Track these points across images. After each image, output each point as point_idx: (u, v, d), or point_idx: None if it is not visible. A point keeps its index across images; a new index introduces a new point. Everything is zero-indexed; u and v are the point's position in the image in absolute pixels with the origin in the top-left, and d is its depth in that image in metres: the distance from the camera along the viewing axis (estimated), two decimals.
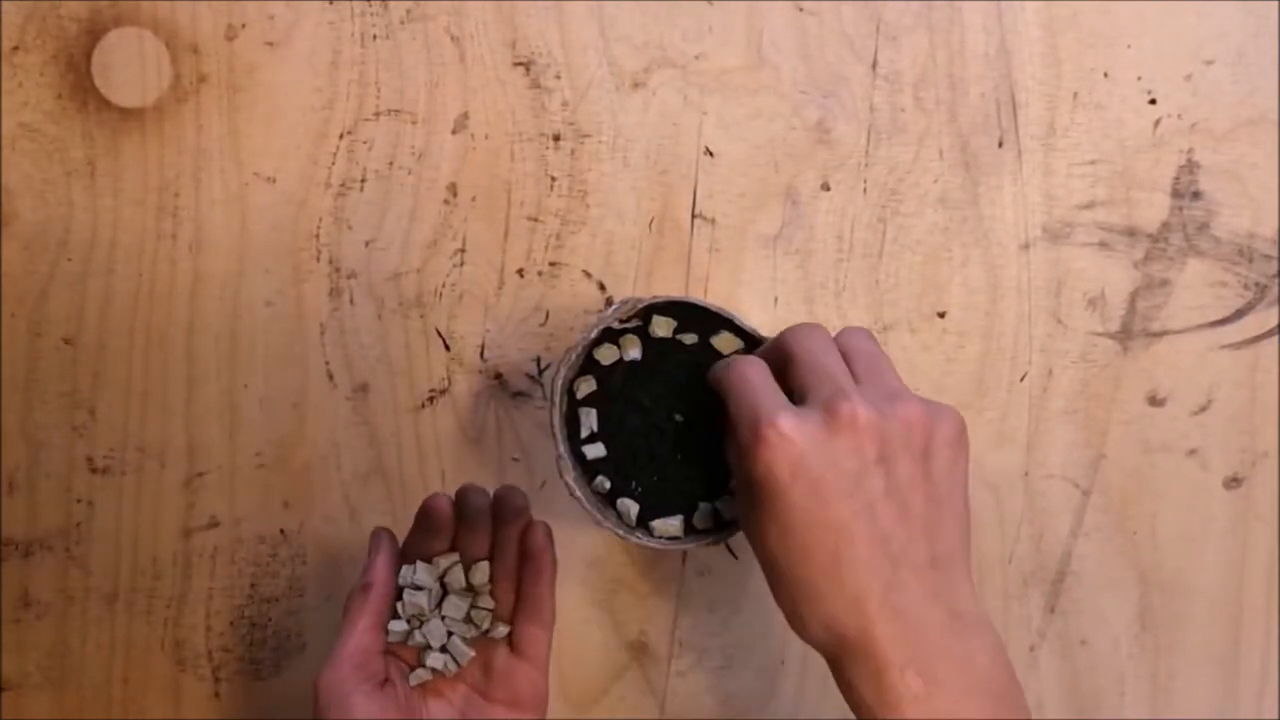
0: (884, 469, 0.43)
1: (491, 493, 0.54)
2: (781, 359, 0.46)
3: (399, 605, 0.52)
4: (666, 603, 0.60)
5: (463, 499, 0.53)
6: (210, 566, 0.59)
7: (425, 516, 0.52)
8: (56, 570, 0.59)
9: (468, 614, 0.53)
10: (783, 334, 0.47)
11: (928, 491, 0.43)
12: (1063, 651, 0.61)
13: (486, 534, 0.54)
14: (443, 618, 0.52)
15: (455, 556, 0.53)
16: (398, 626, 0.52)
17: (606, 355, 0.53)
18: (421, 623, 0.52)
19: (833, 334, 0.47)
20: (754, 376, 0.44)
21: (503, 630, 0.53)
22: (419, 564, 0.53)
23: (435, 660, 0.52)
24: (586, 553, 0.60)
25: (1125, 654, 0.61)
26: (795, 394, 0.45)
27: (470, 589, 0.53)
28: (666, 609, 0.60)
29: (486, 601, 0.53)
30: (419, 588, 0.52)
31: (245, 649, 0.60)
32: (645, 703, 0.61)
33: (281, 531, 0.59)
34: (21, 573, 0.59)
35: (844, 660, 0.43)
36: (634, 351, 0.52)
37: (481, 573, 0.53)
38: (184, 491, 0.59)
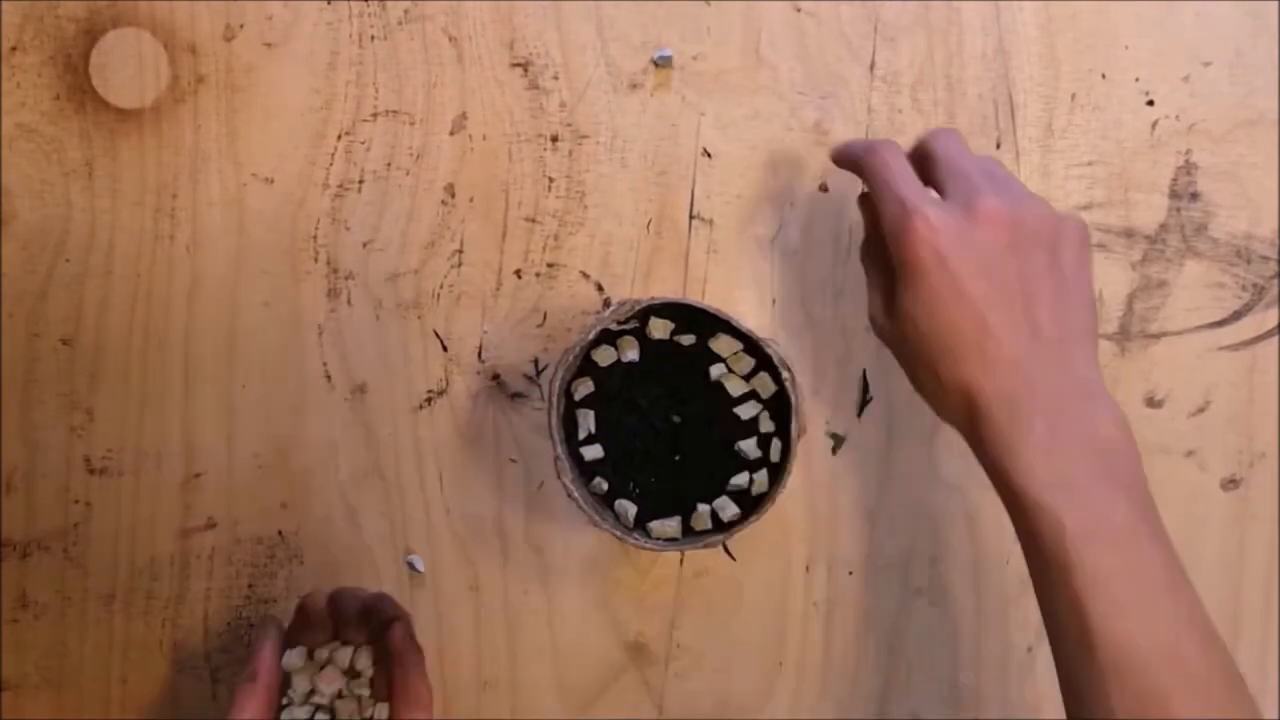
0: (1017, 256, 0.47)
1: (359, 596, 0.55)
2: (920, 155, 0.50)
3: (289, 691, 0.52)
4: (664, 604, 0.60)
5: (336, 602, 0.54)
6: (208, 567, 0.59)
7: (302, 613, 0.54)
8: (54, 571, 0.59)
9: (351, 694, 0.53)
10: (925, 138, 0.51)
11: (1055, 279, 0.47)
12: None
13: (363, 629, 0.54)
14: (325, 703, 0.53)
15: (336, 643, 0.53)
16: (292, 715, 0.52)
17: (604, 357, 0.53)
18: (315, 707, 0.52)
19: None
20: (895, 164, 0.49)
21: (384, 711, 0.53)
22: (301, 649, 0.53)
23: None
24: (584, 554, 0.60)
25: None
26: (935, 187, 0.49)
27: (353, 672, 0.53)
28: (664, 610, 0.60)
29: (364, 687, 0.53)
30: (302, 670, 0.52)
31: (243, 650, 0.60)
32: (643, 704, 0.61)
33: (279, 533, 0.59)
34: (19, 573, 0.59)
35: (977, 422, 0.46)
36: (631, 353, 0.53)
37: (365, 657, 0.53)
38: (182, 492, 0.59)
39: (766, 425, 0.53)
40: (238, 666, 0.60)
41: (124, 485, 0.59)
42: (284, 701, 0.52)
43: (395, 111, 0.58)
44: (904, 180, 0.48)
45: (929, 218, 0.46)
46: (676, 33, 0.58)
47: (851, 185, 0.59)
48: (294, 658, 0.52)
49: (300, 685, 0.52)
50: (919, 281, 0.47)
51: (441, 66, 0.58)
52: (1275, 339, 0.60)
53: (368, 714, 0.53)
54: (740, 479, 0.53)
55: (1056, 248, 0.48)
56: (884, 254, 0.50)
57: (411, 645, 0.53)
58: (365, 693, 0.53)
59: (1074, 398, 0.46)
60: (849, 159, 0.52)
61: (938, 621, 0.60)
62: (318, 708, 0.52)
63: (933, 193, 0.49)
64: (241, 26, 0.58)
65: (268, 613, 0.53)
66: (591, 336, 0.52)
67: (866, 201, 0.53)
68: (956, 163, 0.49)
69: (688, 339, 0.53)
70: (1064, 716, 0.61)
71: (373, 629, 0.54)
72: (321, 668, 0.53)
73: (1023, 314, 0.46)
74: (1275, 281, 0.60)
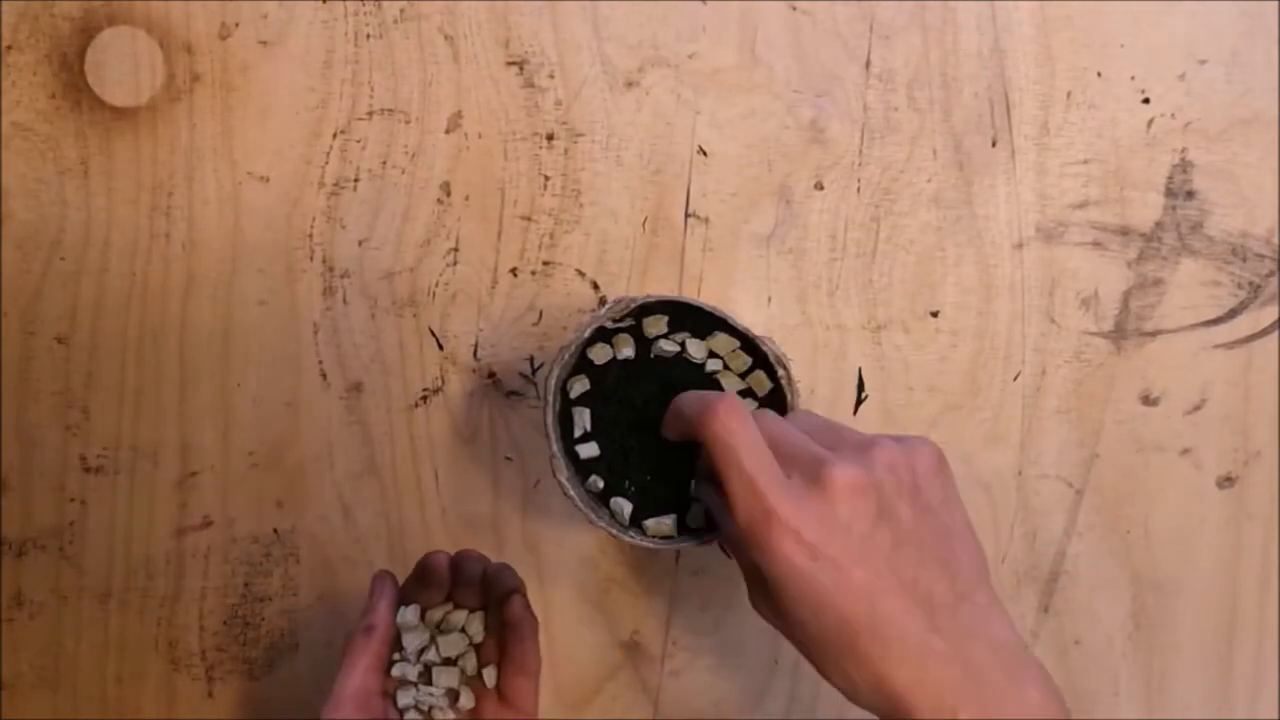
0: (887, 521, 0.43)
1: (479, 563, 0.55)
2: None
3: (400, 648, 0.53)
4: (660, 602, 0.60)
5: (459, 566, 0.54)
6: (203, 566, 0.59)
7: (424, 572, 0.53)
8: (50, 570, 0.59)
9: (459, 658, 0.54)
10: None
11: (932, 528, 0.44)
12: (1057, 651, 0.61)
13: (478, 594, 0.54)
14: (436, 662, 0.53)
15: (450, 605, 0.54)
16: (403, 671, 0.53)
17: (600, 355, 0.53)
18: (425, 666, 0.53)
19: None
20: (744, 434, 0.44)
21: (492, 675, 0.54)
22: (416, 608, 0.53)
23: (432, 699, 0.53)
24: (579, 552, 0.60)
25: (1119, 653, 0.61)
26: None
27: (465, 636, 0.54)
28: (660, 608, 0.60)
29: (473, 653, 0.54)
30: (416, 629, 0.53)
31: (238, 648, 0.60)
32: (639, 702, 0.61)
33: (275, 531, 0.59)
34: (15, 572, 0.59)
35: (900, 716, 0.43)
36: (627, 350, 0.52)
37: (477, 623, 0.54)
38: (177, 491, 0.59)
39: None
40: (233, 665, 0.60)
41: (119, 484, 0.59)
42: (394, 657, 0.52)
43: (391, 110, 0.58)
44: (757, 466, 0.43)
45: (787, 516, 0.42)
46: (672, 31, 0.58)
47: (846, 185, 0.59)
48: (409, 615, 0.53)
49: (411, 642, 0.52)
50: (798, 588, 0.43)
51: (437, 65, 0.58)
52: (1271, 337, 0.60)
53: (475, 674, 0.54)
54: None
55: (918, 490, 0.44)
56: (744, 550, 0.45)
57: (529, 616, 0.53)
58: (472, 660, 0.54)
59: (994, 670, 0.43)
60: (683, 420, 0.47)
61: None
62: (428, 666, 0.53)
63: (778, 473, 0.44)
64: (237, 25, 0.58)
65: (382, 569, 0.53)
66: (587, 334, 0.52)
67: (709, 487, 0.49)
68: (782, 438, 0.45)
69: (683, 337, 0.53)
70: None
71: (491, 596, 0.54)
72: (435, 628, 0.53)
73: (912, 588, 0.43)
74: (1271, 279, 0.60)
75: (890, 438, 0.45)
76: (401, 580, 0.54)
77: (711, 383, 0.53)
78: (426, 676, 0.53)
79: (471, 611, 0.54)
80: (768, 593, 0.45)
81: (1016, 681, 0.43)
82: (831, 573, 0.42)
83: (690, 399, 0.47)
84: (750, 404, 0.53)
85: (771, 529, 0.42)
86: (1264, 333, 0.60)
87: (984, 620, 0.44)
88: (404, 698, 0.52)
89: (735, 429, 0.44)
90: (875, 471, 0.43)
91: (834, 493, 0.43)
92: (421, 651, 0.53)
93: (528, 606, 0.54)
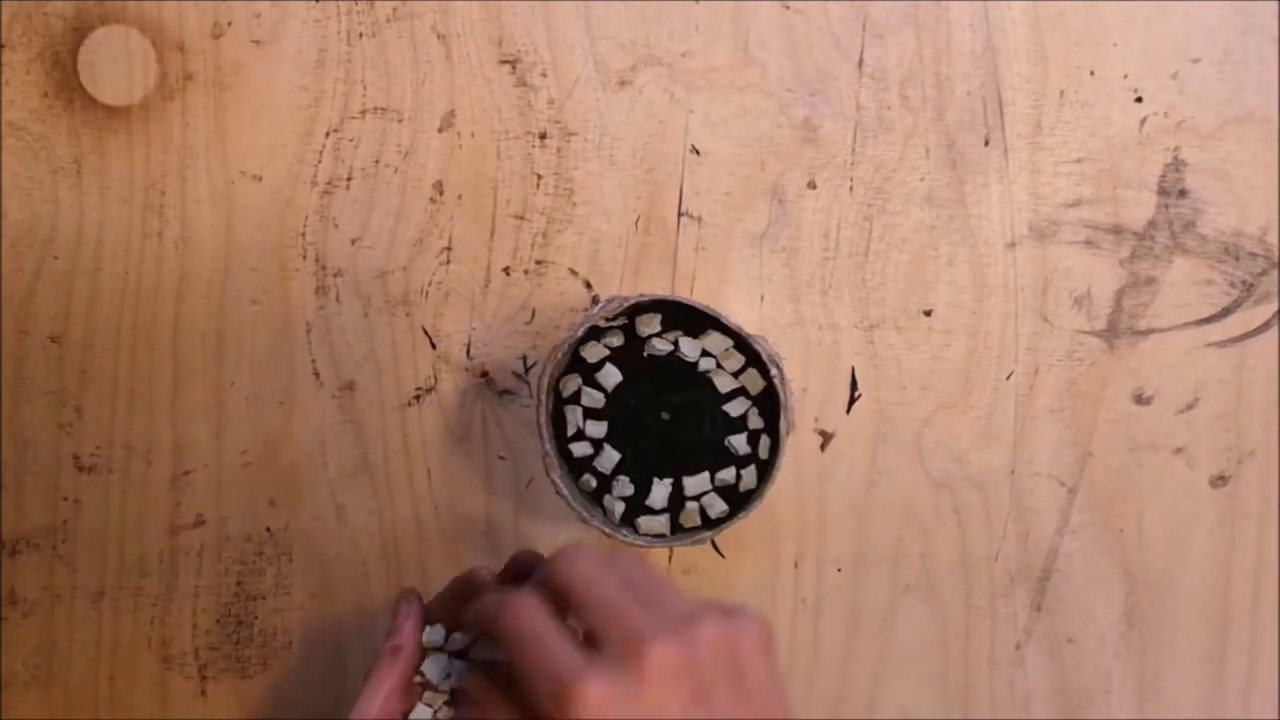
0: (704, 704, 0.40)
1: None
2: (557, 593, 0.43)
3: (422, 669, 0.51)
4: None
5: (515, 568, 0.52)
6: (196, 565, 0.59)
7: (466, 586, 0.51)
8: (43, 568, 0.59)
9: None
10: (551, 564, 0.44)
11: (754, 706, 0.41)
12: (1049, 650, 0.61)
13: None
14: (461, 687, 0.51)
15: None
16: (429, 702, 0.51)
17: (593, 353, 0.53)
18: (451, 692, 0.51)
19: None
20: (539, 630, 0.41)
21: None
22: (440, 628, 0.51)
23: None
24: None
25: (1112, 652, 0.61)
26: (583, 633, 0.43)
27: (492, 663, 0.52)
28: None
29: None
30: (443, 650, 0.51)
31: (231, 647, 0.60)
32: None
33: (268, 530, 0.59)
34: (8, 571, 0.59)
35: None
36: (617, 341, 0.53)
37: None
38: (170, 490, 0.59)
39: (755, 422, 0.53)
40: (226, 664, 0.60)
41: (112, 483, 0.59)
42: (417, 679, 0.50)
43: (383, 109, 0.58)
44: (551, 642, 0.41)
45: (591, 699, 0.38)
46: (665, 30, 0.58)
47: (839, 184, 0.59)
48: (433, 635, 0.50)
49: (431, 666, 0.50)
50: None
51: (430, 64, 0.58)
52: (1264, 335, 0.60)
53: None
54: (728, 475, 0.53)
55: (741, 672, 0.41)
56: None
57: None
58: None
59: None
60: (480, 622, 0.45)
61: (926, 618, 0.60)
62: (453, 692, 0.50)
63: (578, 651, 0.41)
64: (229, 24, 0.58)
65: (407, 586, 0.52)
66: (580, 333, 0.52)
67: (477, 678, 0.47)
68: (596, 594, 0.42)
69: (676, 336, 0.53)
70: (1055, 715, 0.61)
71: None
72: (457, 652, 0.51)
73: None
74: (1264, 278, 0.60)
75: (716, 610, 0.42)
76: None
77: (707, 384, 0.53)
78: (449, 700, 0.51)
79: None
80: None
81: None
82: None
83: (488, 601, 0.45)
84: (743, 403, 0.53)
85: (570, 707, 0.39)
86: (1257, 331, 0.60)
87: None
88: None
89: (530, 619, 0.42)
90: (697, 651, 0.40)
91: (648, 672, 0.39)
92: (446, 677, 0.51)
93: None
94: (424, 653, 0.50)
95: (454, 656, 0.51)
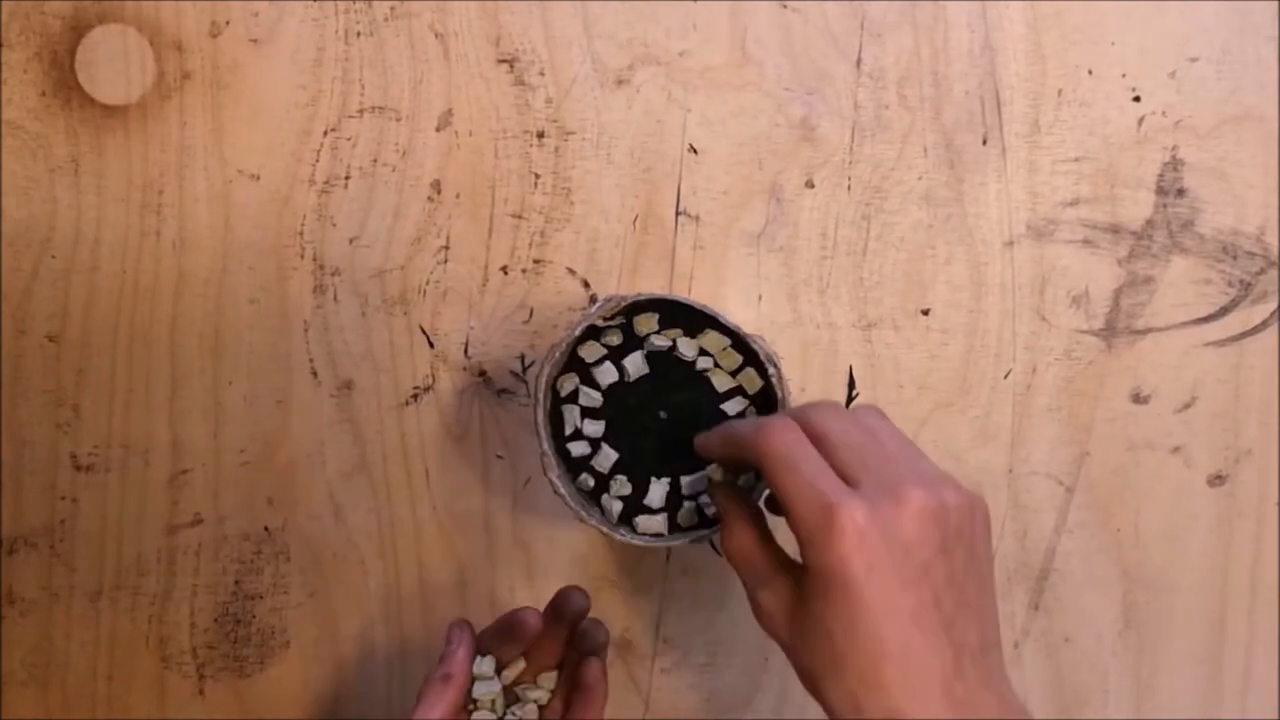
0: (945, 558, 0.42)
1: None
2: (814, 438, 0.45)
3: (473, 694, 0.53)
4: (650, 600, 0.60)
5: (561, 604, 0.53)
6: (194, 563, 0.59)
7: (510, 627, 0.52)
8: (41, 567, 0.59)
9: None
10: (804, 412, 0.46)
11: (977, 577, 0.44)
12: (1047, 649, 0.61)
13: (558, 650, 0.54)
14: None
15: (523, 664, 0.54)
16: None
17: (590, 352, 0.53)
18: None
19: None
20: (800, 450, 0.44)
21: None
22: (491, 659, 0.53)
23: None
24: (570, 550, 0.60)
25: (1109, 651, 0.61)
26: (837, 470, 0.44)
27: (538, 708, 0.54)
28: (650, 606, 0.60)
29: (532, 712, 0.54)
30: (489, 681, 0.53)
31: (229, 646, 0.60)
32: (629, 699, 0.61)
33: (265, 529, 0.59)
34: (6, 570, 0.59)
35: None
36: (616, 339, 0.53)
37: (549, 681, 0.54)
38: (168, 489, 0.59)
39: None
40: (224, 663, 0.60)
41: (110, 482, 0.59)
42: (470, 707, 0.52)
43: (381, 108, 0.58)
44: (817, 470, 0.43)
45: (856, 518, 0.41)
46: (662, 29, 0.58)
47: (836, 183, 0.59)
48: (485, 666, 0.52)
49: (480, 691, 0.52)
50: (842, 593, 0.41)
51: (427, 63, 0.58)
52: (1261, 335, 0.60)
53: None
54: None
55: (974, 540, 0.44)
56: (769, 551, 0.46)
57: (604, 682, 0.53)
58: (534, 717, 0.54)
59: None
60: (732, 445, 0.47)
61: None
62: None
63: (840, 481, 0.43)
64: (227, 23, 0.58)
65: (460, 618, 0.53)
66: (577, 333, 0.52)
67: (724, 490, 0.49)
68: (856, 442, 0.44)
69: (674, 334, 0.53)
70: (1053, 714, 0.61)
71: (574, 646, 0.54)
72: (509, 691, 0.54)
73: (949, 627, 0.42)
74: (1261, 277, 0.60)
75: (955, 481, 0.44)
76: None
77: (705, 383, 0.53)
78: None
79: (544, 671, 0.54)
80: (786, 590, 0.44)
81: None
82: (882, 589, 0.41)
83: (743, 423, 0.47)
84: (741, 402, 0.53)
85: (834, 527, 0.41)
86: (1255, 330, 0.60)
87: (998, 678, 0.43)
88: None
89: (792, 446, 0.43)
90: (946, 509, 0.43)
91: (908, 511, 0.42)
92: (491, 703, 0.53)
93: (605, 672, 0.53)
94: (473, 681, 0.52)
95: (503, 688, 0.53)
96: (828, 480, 0.42)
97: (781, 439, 0.44)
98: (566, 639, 0.54)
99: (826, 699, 0.43)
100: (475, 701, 0.52)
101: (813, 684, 0.44)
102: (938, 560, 0.42)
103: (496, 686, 0.53)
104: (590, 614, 0.54)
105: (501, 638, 0.53)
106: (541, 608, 0.53)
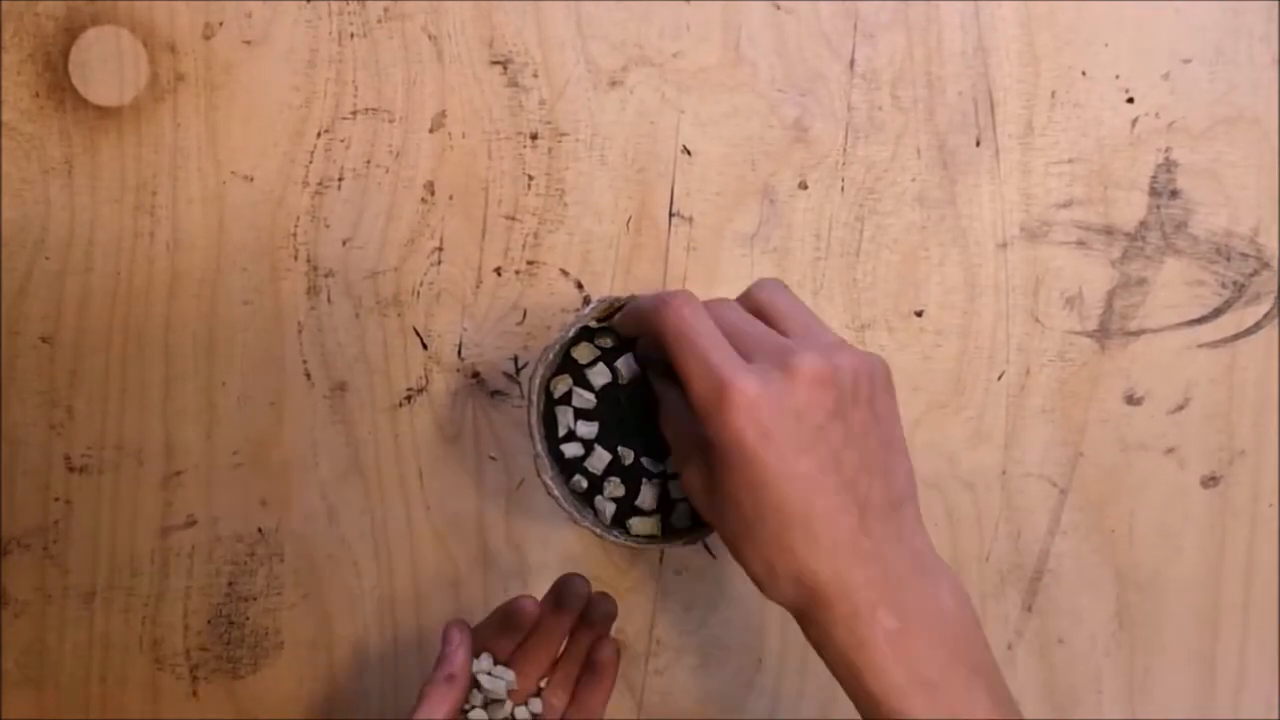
0: (840, 419, 0.44)
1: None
2: (714, 314, 0.46)
3: (472, 694, 0.52)
4: (644, 601, 0.60)
5: (563, 590, 0.53)
6: (188, 565, 0.59)
7: (509, 615, 0.52)
8: (34, 569, 0.59)
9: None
10: (709, 305, 0.47)
11: (879, 435, 0.45)
12: (1040, 650, 0.61)
13: (560, 640, 0.54)
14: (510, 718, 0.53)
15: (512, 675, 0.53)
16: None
17: (584, 354, 0.53)
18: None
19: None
20: (697, 322, 0.45)
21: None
22: (489, 657, 0.53)
23: None
24: (564, 551, 0.60)
25: (1102, 652, 0.61)
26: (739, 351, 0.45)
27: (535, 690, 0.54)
28: (644, 607, 0.60)
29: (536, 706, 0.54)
30: (494, 677, 0.52)
31: (223, 647, 0.60)
32: (623, 701, 0.61)
33: (259, 530, 0.59)
34: None
35: (816, 610, 0.43)
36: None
37: (536, 705, 0.54)
38: (161, 490, 0.59)
39: None
40: (218, 664, 0.60)
41: (104, 483, 0.59)
42: (466, 707, 0.52)
43: (375, 109, 0.58)
44: (711, 343, 0.44)
45: (747, 391, 0.42)
46: (656, 30, 0.58)
47: (830, 184, 0.59)
48: (484, 664, 0.52)
49: (493, 688, 0.52)
50: (741, 463, 0.43)
51: (421, 64, 0.58)
52: (1254, 336, 0.60)
53: None
54: None
55: (873, 399, 0.45)
56: (690, 425, 0.46)
57: (616, 666, 0.54)
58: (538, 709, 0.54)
59: (913, 574, 0.44)
60: (638, 321, 0.48)
61: None
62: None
63: (735, 355, 0.44)
64: (221, 24, 0.58)
65: (456, 618, 0.53)
66: (571, 334, 0.52)
67: (656, 369, 0.50)
68: (747, 327, 0.46)
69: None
70: (1046, 715, 0.61)
71: (587, 622, 0.54)
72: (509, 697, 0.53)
73: (851, 487, 0.43)
74: (1254, 279, 0.60)
75: (852, 345, 0.46)
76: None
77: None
78: None
79: (541, 682, 0.54)
80: (703, 466, 0.45)
81: (933, 587, 0.44)
82: (778, 456, 0.42)
83: (646, 298, 0.48)
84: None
85: (726, 401, 0.42)
86: (1248, 332, 0.60)
87: (910, 531, 0.45)
88: None
89: (689, 319, 0.45)
90: (840, 371, 0.44)
91: (798, 379, 0.43)
92: (487, 704, 0.53)
93: (618, 652, 0.54)
94: (474, 680, 0.52)
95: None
96: (722, 354, 0.43)
97: (678, 314, 0.45)
98: (569, 628, 0.54)
99: (745, 564, 0.45)
100: (473, 699, 0.52)
101: (734, 552, 0.45)
102: (833, 423, 0.43)
103: (500, 688, 0.52)
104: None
105: (499, 629, 0.53)
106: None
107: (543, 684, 0.54)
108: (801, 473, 0.43)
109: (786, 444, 0.42)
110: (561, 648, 0.55)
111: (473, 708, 0.52)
